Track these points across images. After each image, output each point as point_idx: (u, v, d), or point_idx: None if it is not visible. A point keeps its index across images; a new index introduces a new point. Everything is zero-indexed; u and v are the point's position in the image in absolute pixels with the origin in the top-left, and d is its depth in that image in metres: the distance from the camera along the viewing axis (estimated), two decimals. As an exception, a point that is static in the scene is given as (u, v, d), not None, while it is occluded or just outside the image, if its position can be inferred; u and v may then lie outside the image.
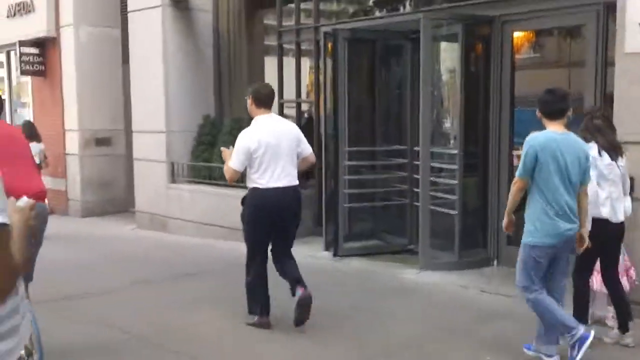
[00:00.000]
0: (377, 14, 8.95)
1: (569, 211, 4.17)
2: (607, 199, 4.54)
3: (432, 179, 7.02)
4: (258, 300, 5.20)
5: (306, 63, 9.76)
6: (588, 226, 4.37)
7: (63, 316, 5.72)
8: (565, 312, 4.35)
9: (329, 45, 7.83)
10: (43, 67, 12.42)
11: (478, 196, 7.27)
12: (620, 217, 4.60)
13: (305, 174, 9.27)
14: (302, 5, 9.30)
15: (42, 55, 12.40)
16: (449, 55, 7.56)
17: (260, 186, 5.00)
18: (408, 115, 7.88)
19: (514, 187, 4.29)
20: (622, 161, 4.61)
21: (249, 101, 5.15)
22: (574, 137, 4.24)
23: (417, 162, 7.20)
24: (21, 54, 12.24)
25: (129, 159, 11.14)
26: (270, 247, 5.24)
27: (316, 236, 8.23)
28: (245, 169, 5.06)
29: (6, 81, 14.29)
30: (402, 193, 8.09)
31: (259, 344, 4.98)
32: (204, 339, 5.06)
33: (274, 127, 5.08)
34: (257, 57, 10.33)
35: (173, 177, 9.73)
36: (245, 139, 5.01)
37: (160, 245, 8.96)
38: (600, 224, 4.50)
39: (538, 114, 4.30)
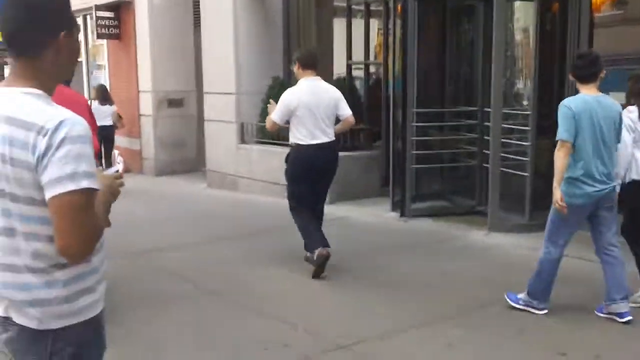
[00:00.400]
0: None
1: (599, 174, 4.21)
2: None
3: (502, 140, 6.90)
4: (313, 236, 5.50)
5: (375, 25, 9.67)
6: (621, 173, 4.45)
7: (138, 268, 5.99)
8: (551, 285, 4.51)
9: (399, 6, 7.72)
10: (118, 31, 12.73)
11: (550, 158, 7.09)
12: None
13: (372, 135, 9.30)
14: (372, -34, 9.18)
15: (117, 19, 12.69)
16: (523, 14, 7.34)
17: (301, 142, 5.46)
18: (479, 77, 7.73)
19: (560, 152, 4.22)
20: None
21: (295, 66, 5.59)
22: (607, 100, 4.28)
23: (487, 124, 7.08)
24: (97, 18, 12.56)
25: (200, 120, 11.38)
26: None
27: (383, 197, 8.26)
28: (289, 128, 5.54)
29: (83, 45, 14.71)
30: (470, 154, 7.99)
31: (324, 300, 5.08)
32: (271, 295, 5.19)
33: (315, 89, 5.48)
34: (325, 19, 10.27)
35: (242, 138, 9.88)
36: (288, 96, 5.49)
37: (230, 204, 9.16)
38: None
39: (571, 77, 4.39)
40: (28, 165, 1.69)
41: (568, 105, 4.21)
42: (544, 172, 7.12)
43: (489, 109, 6.94)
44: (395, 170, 7.85)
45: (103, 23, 12.67)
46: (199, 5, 10.73)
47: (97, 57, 14.50)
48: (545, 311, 4.56)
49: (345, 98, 5.74)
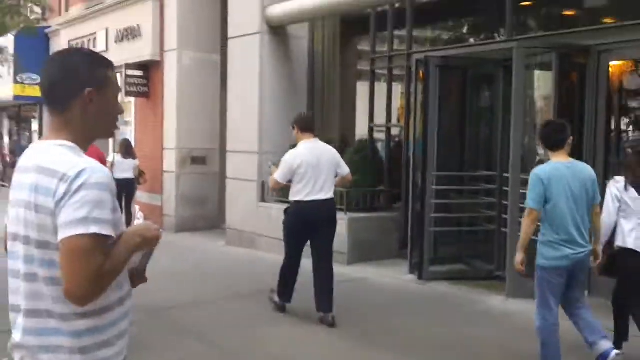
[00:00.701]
0: (470, 41, 8.99)
1: (578, 237, 4.35)
2: (632, 231, 4.70)
3: (520, 205, 6.93)
4: (287, 289, 6.15)
5: (397, 88, 9.89)
6: (602, 240, 4.71)
7: (156, 325, 6.04)
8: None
9: (421, 72, 7.92)
10: (146, 89, 13.13)
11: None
12: None
13: (392, 197, 9.38)
14: (396, 32, 9.46)
15: (145, 78, 13.11)
16: (542, 83, 7.49)
17: (301, 199, 5.89)
18: (498, 142, 7.85)
19: (527, 219, 4.38)
20: None
21: (295, 130, 6.13)
22: (578, 165, 4.50)
23: (506, 188, 7.14)
24: (127, 76, 12.98)
25: (222, 178, 11.57)
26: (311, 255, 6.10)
27: (402, 259, 8.28)
28: (290, 185, 5.98)
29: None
30: (489, 219, 8.03)
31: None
32: (287, 355, 5.19)
33: (315, 150, 5.97)
34: (349, 82, 10.56)
35: (263, 196, 10.02)
36: (290, 157, 5.97)
37: (248, 261, 9.22)
38: (627, 254, 4.74)
39: (541, 146, 4.64)
40: (49, 211, 1.77)
41: (537, 173, 4.37)
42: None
43: (507, 174, 7.02)
44: (414, 232, 7.89)
45: (132, 81, 13.08)
46: (226, 66, 11.07)
47: (124, 114, 14.91)
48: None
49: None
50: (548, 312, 4.43)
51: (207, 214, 12.36)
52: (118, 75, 13.98)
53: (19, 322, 1.88)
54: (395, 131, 9.86)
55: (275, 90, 10.17)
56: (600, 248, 4.68)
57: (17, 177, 1.90)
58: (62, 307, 1.82)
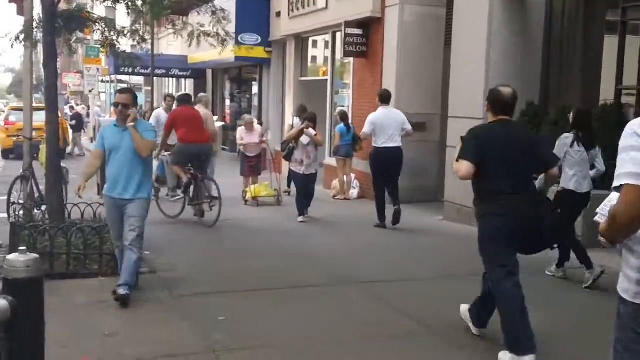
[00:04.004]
0: None
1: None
2: (574, 176, 7.00)
3: None
4: (380, 210, 10.17)
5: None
6: None
7: (364, 298, 6.48)
8: None
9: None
10: (365, 48, 13.60)
11: None
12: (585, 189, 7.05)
13: None
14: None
15: (365, 36, 13.57)
16: None
17: (377, 145, 9.94)
18: None
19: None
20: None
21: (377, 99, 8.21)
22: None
23: None
24: (346, 35, 13.54)
25: (442, 146, 11.68)
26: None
27: None
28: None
29: (330, 61, 15.92)
30: None
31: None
32: (492, 339, 5.25)
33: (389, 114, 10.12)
34: (593, 37, 10.01)
35: (487, 168, 9.95)
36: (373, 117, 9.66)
37: (465, 238, 9.27)
38: (568, 194, 7.03)
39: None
40: None
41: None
42: None
43: None
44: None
45: (351, 40, 13.62)
46: (451, 21, 11.08)
47: (343, 76, 15.57)
48: None
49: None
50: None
51: (425, 186, 12.57)
52: (337, 33, 14.66)
53: None
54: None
55: (505, 48, 10.00)
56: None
57: None
58: None
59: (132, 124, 6.26)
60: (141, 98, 39.58)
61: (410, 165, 12.42)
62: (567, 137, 7.03)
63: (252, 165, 12.98)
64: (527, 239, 4.86)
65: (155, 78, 23.48)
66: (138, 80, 34.75)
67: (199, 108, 11.58)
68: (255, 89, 21.84)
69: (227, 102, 25.35)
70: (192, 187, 10.54)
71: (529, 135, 5.44)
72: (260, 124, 14.46)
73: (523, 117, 9.79)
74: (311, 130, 10.64)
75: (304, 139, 10.62)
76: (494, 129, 4.98)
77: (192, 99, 12.74)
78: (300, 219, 10.65)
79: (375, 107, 10.40)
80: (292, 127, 12.89)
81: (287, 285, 6.87)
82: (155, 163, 10.57)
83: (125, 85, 29.10)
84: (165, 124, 11.08)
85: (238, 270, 7.46)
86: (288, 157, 10.84)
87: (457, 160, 4.88)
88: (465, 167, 4.77)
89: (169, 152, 11.25)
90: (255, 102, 21.61)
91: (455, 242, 9.18)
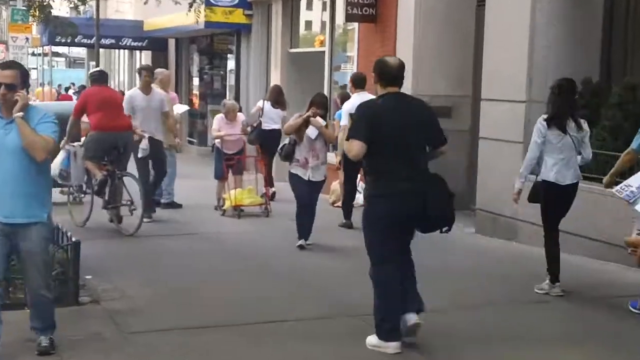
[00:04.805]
0: None
1: None
2: (554, 165, 7.48)
3: None
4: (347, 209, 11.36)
5: None
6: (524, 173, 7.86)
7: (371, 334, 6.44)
8: None
9: None
10: (373, 11, 13.57)
11: None
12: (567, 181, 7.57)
13: None
14: None
15: (374, -5, 13.53)
16: None
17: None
18: None
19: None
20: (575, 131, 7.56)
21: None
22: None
23: None
24: (349, -6, 13.50)
25: (473, 137, 11.66)
26: None
27: None
28: None
29: (328, 28, 15.88)
30: None
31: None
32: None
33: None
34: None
35: (531, 166, 9.94)
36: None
37: (505, 259, 9.26)
38: (549, 186, 7.56)
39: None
40: None
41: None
42: None
43: None
44: None
45: (355, 1, 13.58)
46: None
47: (345, 47, 15.55)
48: None
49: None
50: None
51: (451, 188, 12.44)
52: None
53: None
54: None
55: (554, 10, 9.97)
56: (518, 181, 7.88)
57: None
58: None
59: (19, 113, 5.59)
60: (80, 77, 39.55)
61: (430, 163, 12.40)
62: (544, 119, 7.57)
63: (232, 166, 12.74)
64: (415, 222, 5.99)
65: (101, 50, 23.45)
66: (79, 52, 34.78)
67: (155, 88, 11.62)
68: (231, 63, 21.81)
69: (195, 80, 25.32)
70: (107, 187, 10.68)
71: (422, 110, 6.33)
72: (240, 110, 14.43)
73: (579, 98, 9.76)
74: (319, 119, 9.96)
75: (311, 132, 9.78)
76: (384, 104, 6.00)
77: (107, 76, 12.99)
78: (301, 242, 9.91)
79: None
80: (261, 110, 13.02)
81: (270, 318, 6.82)
82: (60, 155, 10.64)
83: (62, 60, 29.05)
84: (74, 108, 11.19)
85: (207, 300, 7.42)
86: (288, 157, 9.97)
87: (348, 140, 5.89)
88: (357, 146, 5.80)
89: (79, 143, 11.22)
90: (231, 80, 21.57)
91: (492, 262, 9.19)
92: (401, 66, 6.14)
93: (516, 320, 6.92)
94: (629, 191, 6.91)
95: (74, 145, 11.17)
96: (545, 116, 7.61)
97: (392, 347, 5.84)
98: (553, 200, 7.60)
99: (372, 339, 5.97)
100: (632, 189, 6.87)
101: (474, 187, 11.24)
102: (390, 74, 6.04)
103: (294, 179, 9.93)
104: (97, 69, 15.67)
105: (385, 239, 5.95)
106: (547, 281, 7.60)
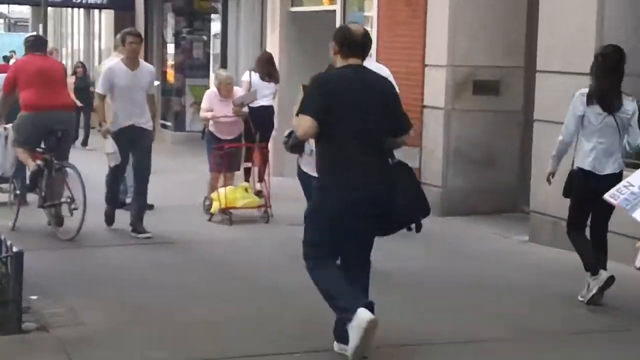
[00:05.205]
0: None
1: None
2: (592, 151, 7.70)
3: None
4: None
5: None
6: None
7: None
8: None
9: None
10: (399, -41, 13.56)
11: None
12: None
13: None
14: None
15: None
16: None
17: None
18: None
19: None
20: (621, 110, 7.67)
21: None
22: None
23: None
24: None
25: (528, 119, 11.64)
26: None
27: None
28: None
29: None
30: None
31: None
32: None
33: None
34: None
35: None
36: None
37: (568, 272, 9.24)
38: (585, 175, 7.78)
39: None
40: None
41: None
42: None
43: None
44: None
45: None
46: None
47: (361, 4, 15.51)
48: None
49: None
50: None
51: (497, 185, 12.45)
52: None
53: None
54: None
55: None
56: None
57: None
58: None
59: None
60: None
61: (471, 153, 12.36)
62: (583, 94, 7.75)
63: (228, 156, 12.46)
64: (374, 219, 6.17)
65: (50, 9, 23.45)
66: (22, 12, 34.79)
67: (115, 57, 11.65)
68: (216, 26, 21.84)
69: (170, 48, 25.27)
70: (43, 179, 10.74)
71: (387, 88, 6.57)
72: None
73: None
74: None
75: None
76: (343, 76, 6.27)
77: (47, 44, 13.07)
78: None
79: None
80: (250, 85, 13.15)
81: (261, 352, 6.84)
82: None
83: (0, 22, 29.11)
84: (4, 81, 11.25)
85: (180, 328, 7.41)
86: (296, 148, 9.45)
87: (297, 115, 6.17)
88: (306, 123, 6.06)
89: (11, 124, 11.23)
90: (216, 48, 21.57)
91: (550, 277, 9.18)
92: (366, 34, 6.43)
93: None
94: (628, 193, 7.05)
95: (5, 128, 11.21)
96: (585, 90, 7.74)
97: (362, 315, 5.92)
98: (587, 192, 7.74)
99: (335, 346, 6.37)
100: (633, 189, 7.01)
101: (527, 183, 11.24)
102: (354, 42, 6.27)
103: (305, 178, 9.21)
104: (33, 33, 15.73)
105: (327, 235, 6.23)
106: (588, 279, 7.80)
